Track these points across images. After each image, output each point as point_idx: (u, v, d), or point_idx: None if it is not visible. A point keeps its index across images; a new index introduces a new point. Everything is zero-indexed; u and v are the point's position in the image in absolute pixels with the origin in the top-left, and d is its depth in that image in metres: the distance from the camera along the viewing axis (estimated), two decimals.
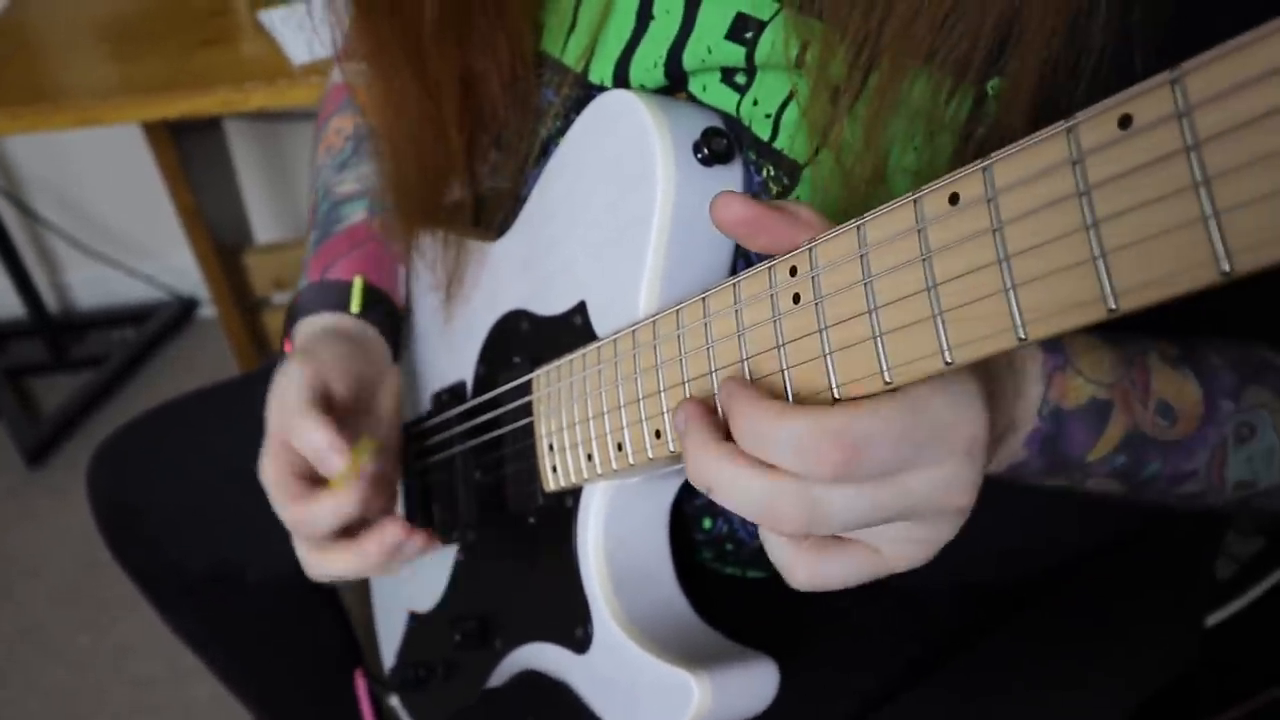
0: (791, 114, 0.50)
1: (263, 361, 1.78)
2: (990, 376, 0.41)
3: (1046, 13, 0.41)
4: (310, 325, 0.72)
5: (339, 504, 0.62)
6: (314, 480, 0.65)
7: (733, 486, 0.38)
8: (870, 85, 0.45)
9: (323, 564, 0.65)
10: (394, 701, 0.86)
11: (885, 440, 0.35)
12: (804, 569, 0.40)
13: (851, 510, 0.37)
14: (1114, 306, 0.29)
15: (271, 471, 0.64)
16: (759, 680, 0.52)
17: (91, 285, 2.12)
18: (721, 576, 0.64)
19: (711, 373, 0.44)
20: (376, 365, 0.72)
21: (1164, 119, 0.27)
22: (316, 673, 1.07)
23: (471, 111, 0.64)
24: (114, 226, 2.04)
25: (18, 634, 1.61)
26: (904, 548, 0.39)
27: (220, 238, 1.59)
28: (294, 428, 0.62)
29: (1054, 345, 0.44)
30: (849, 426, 0.35)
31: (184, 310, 2.10)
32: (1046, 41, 0.41)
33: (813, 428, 0.36)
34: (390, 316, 0.75)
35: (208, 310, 2.09)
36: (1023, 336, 0.31)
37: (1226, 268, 0.26)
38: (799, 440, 0.36)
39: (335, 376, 0.67)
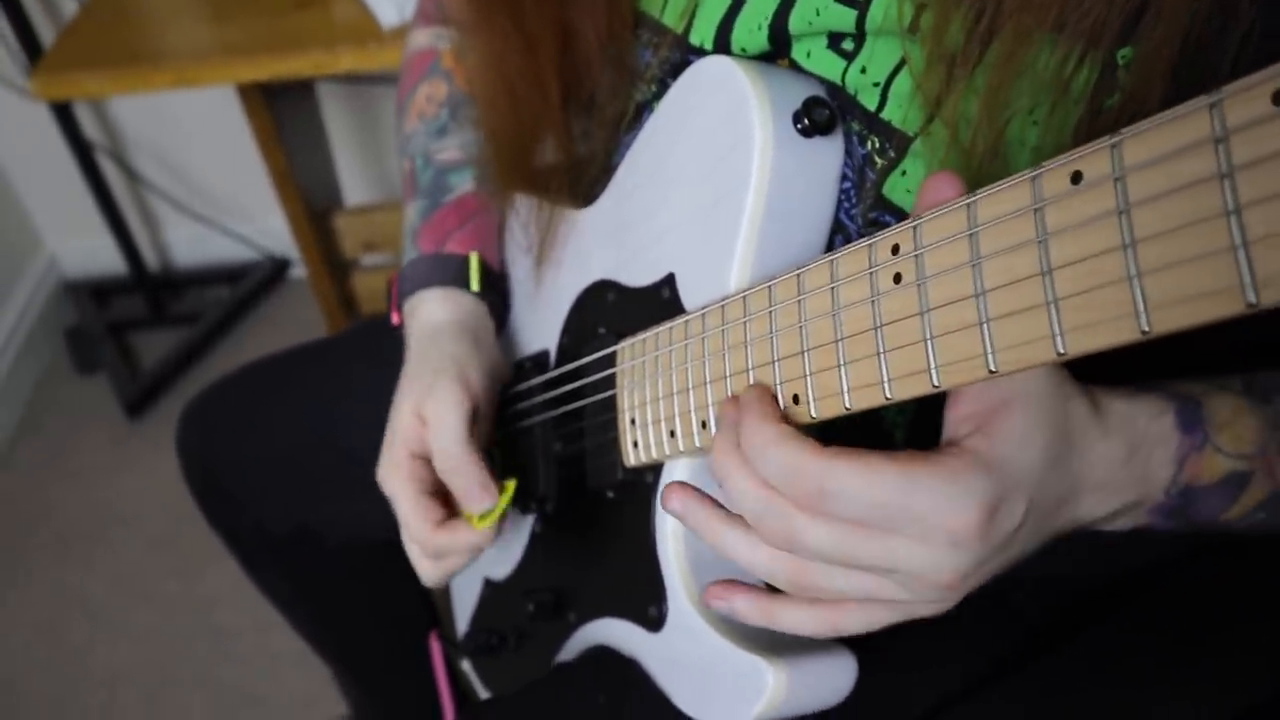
0: (902, 83, 0.48)
1: (350, 323, 1.81)
2: (1088, 471, 0.42)
3: None
4: (435, 303, 0.71)
5: (479, 541, 0.64)
6: (442, 496, 0.67)
7: (737, 489, 0.42)
8: (990, 54, 0.42)
9: (439, 571, 0.67)
10: (466, 666, 0.87)
11: (857, 499, 0.38)
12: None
13: (826, 545, 0.40)
14: (1254, 300, 0.26)
15: (405, 486, 0.66)
16: (836, 672, 0.51)
17: (190, 244, 2.18)
18: None
19: (804, 352, 0.43)
20: (494, 354, 0.72)
21: None
22: (394, 633, 1.09)
23: (568, 68, 0.64)
24: (212, 187, 2.09)
25: (113, 578, 1.67)
26: (880, 612, 0.43)
27: (311, 200, 1.61)
28: (449, 459, 0.64)
29: (1193, 422, 0.43)
30: (825, 471, 0.38)
31: (277, 270, 2.15)
32: (1190, 8, 0.38)
33: (794, 460, 0.39)
34: (501, 294, 0.75)
35: (299, 271, 2.14)
36: (1146, 329, 0.29)
37: None
38: (783, 465, 0.40)
39: (484, 397, 0.68)
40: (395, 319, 0.74)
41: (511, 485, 0.65)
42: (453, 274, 0.72)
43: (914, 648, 0.60)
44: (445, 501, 0.67)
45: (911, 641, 0.60)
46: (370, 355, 0.93)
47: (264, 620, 1.54)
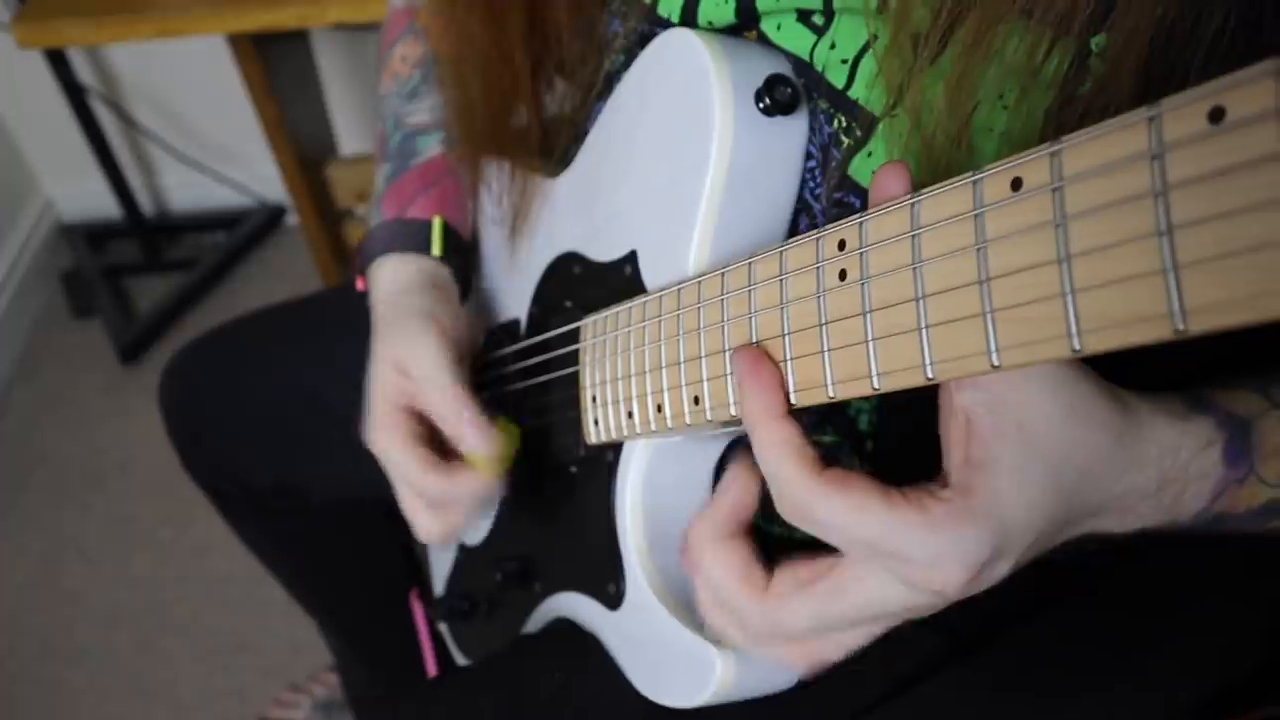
0: (869, 62, 0.46)
1: (343, 272, 1.80)
2: (1105, 499, 0.39)
3: None
4: (395, 268, 0.70)
5: (481, 488, 0.62)
6: (437, 445, 0.65)
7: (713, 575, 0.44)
8: (956, 38, 0.40)
9: (440, 525, 0.65)
10: (442, 628, 0.88)
11: (840, 531, 0.38)
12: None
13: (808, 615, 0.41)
14: (1181, 327, 0.25)
15: (395, 438, 0.64)
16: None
17: (186, 190, 2.16)
18: (769, 536, 0.62)
19: (753, 344, 0.42)
20: (461, 313, 0.70)
21: (1262, 116, 0.23)
22: (376, 590, 1.10)
23: (536, 36, 0.62)
24: (209, 133, 2.07)
25: (109, 523, 1.69)
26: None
27: (305, 149, 1.59)
28: (440, 400, 0.62)
29: (1240, 453, 0.40)
30: (813, 499, 0.38)
31: (272, 218, 2.13)
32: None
33: (786, 474, 0.39)
34: (464, 259, 0.73)
35: (294, 219, 2.12)
36: (1077, 348, 0.28)
37: None
38: (776, 474, 0.39)
39: (460, 341, 0.66)
40: (360, 285, 0.73)
41: (515, 430, 0.63)
42: (414, 240, 0.70)
43: None
44: (440, 452, 0.65)
45: None
46: (354, 313, 0.92)
47: (255, 568, 1.53)
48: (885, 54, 0.44)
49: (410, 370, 0.64)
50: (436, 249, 0.70)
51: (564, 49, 0.61)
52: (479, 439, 0.61)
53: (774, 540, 0.62)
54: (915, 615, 0.40)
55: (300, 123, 1.58)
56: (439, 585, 0.88)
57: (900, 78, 0.43)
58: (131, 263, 2.10)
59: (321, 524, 1.01)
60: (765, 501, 0.45)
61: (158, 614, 1.55)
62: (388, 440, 0.65)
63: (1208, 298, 0.25)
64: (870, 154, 0.48)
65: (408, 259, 0.70)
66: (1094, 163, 0.28)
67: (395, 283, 0.69)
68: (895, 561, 0.37)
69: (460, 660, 0.84)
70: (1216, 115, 0.24)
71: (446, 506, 0.65)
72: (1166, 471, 0.39)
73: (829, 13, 0.47)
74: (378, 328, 0.68)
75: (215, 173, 2.05)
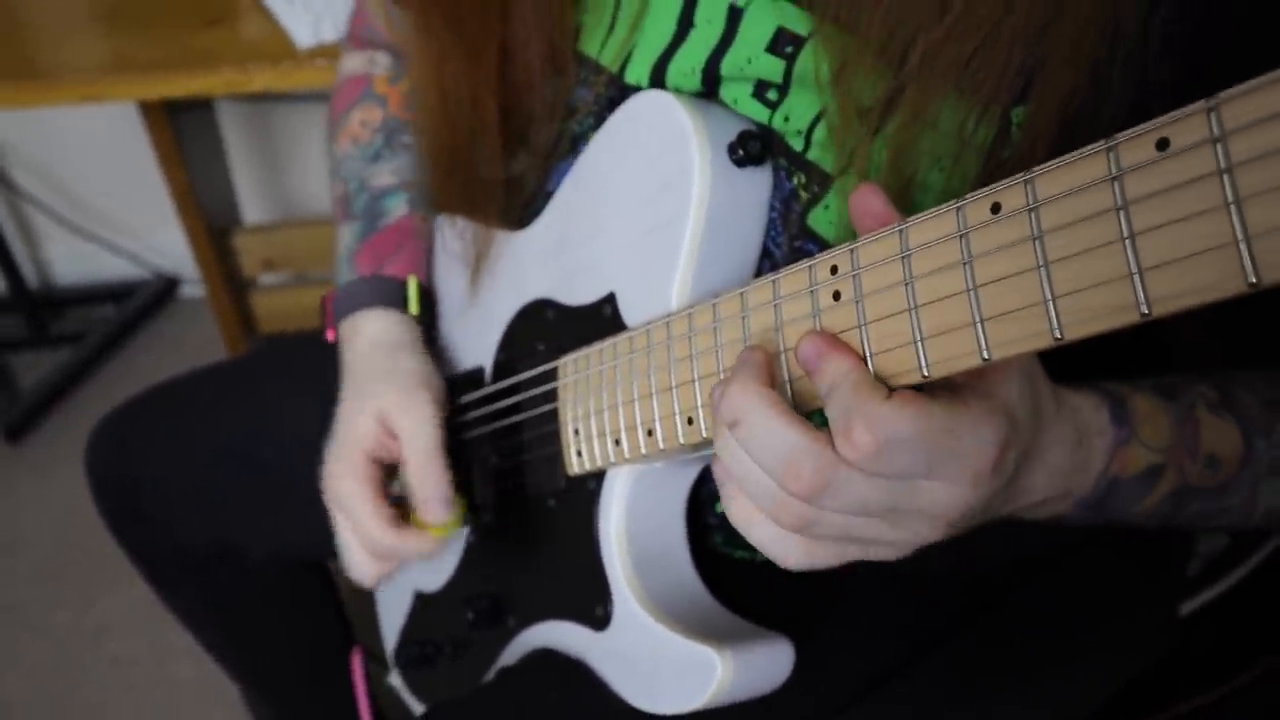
0: (823, 129, 0.53)
1: (250, 342, 1.78)
2: (1047, 448, 0.45)
3: (1069, 50, 0.44)
4: (380, 321, 0.73)
5: (428, 549, 0.67)
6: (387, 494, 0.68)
7: (761, 425, 0.41)
8: (899, 109, 0.48)
9: (378, 570, 0.69)
10: (395, 681, 0.88)
11: (913, 446, 0.38)
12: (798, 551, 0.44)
13: (862, 496, 0.40)
14: (1146, 312, 0.32)
15: (360, 487, 0.67)
16: (777, 659, 0.55)
17: (73, 261, 2.10)
18: (732, 560, 0.66)
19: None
20: (440, 378, 0.74)
21: (1199, 143, 0.30)
22: (312, 653, 1.09)
23: (508, 81, 0.66)
24: (97, 203, 2.03)
25: None
26: (851, 549, 0.43)
27: (210, 218, 1.59)
28: (425, 467, 0.66)
29: (1122, 417, 0.47)
30: (888, 422, 0.38)
31: (166, 289, 2.09)
32: (1071, 77, 0.44)
33: (858, 408, 0.38)
34: (432, 316, 0.78)
35: (189, 289, 2.09)
36: (1059, 337, 0.34)
37: (1254, 279, 0.29)
38: (844, 413, 0.39)
39: (442, 404, 0.70)
40: (330, 335, 0.75)
41: (463, 503, 0.68)
42: (393, 296, 0.74)
43: (839, 636, 0.65)
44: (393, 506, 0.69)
45: (836, 630, 0.65)
46: (283, 373, 0.93)
47: (161, 647, 1.50)
48: (837, 124, 0.51)
49: (398, 427, 0.67)
50: (414, 308, 0.74)
51: (533, 103, 0.66)
52: (442, 511, 0.66)
53: None
54: (930, 520, 0.42)
55: (206, 192, 1.58)
56: (390, 637, 0.88)
57: (850, 144, 0.51)
58: (14, 338, 2.02)
59: (257, 586, 1.00)
60: None
61: (59, 703, 1.48)
62: (351, 485, 0.68)
63: (1168, 289, 0.31)
64: (827, 207, 0.54)
65: (391, 314, 0.74)
66: (1064, 186, 0.34)
67: (382, 335, 0.73)
68: (950, 459, 0.39)
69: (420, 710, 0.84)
70: (1163, 144, 0.31)
71: (389, 559, 0.68)
72: (1078, 425, 0.46)
73: (784, 86, 0.54)
74: (358, 376, 0.71)
75: (106, 242, 2.01)
